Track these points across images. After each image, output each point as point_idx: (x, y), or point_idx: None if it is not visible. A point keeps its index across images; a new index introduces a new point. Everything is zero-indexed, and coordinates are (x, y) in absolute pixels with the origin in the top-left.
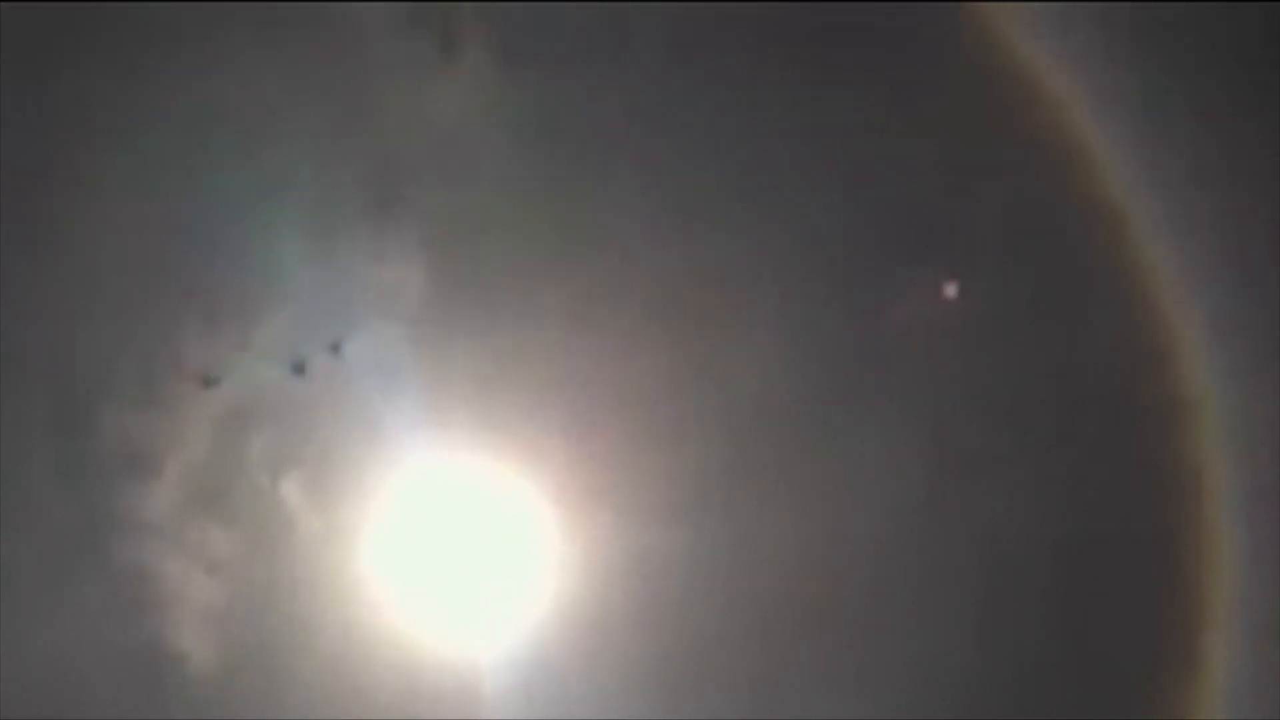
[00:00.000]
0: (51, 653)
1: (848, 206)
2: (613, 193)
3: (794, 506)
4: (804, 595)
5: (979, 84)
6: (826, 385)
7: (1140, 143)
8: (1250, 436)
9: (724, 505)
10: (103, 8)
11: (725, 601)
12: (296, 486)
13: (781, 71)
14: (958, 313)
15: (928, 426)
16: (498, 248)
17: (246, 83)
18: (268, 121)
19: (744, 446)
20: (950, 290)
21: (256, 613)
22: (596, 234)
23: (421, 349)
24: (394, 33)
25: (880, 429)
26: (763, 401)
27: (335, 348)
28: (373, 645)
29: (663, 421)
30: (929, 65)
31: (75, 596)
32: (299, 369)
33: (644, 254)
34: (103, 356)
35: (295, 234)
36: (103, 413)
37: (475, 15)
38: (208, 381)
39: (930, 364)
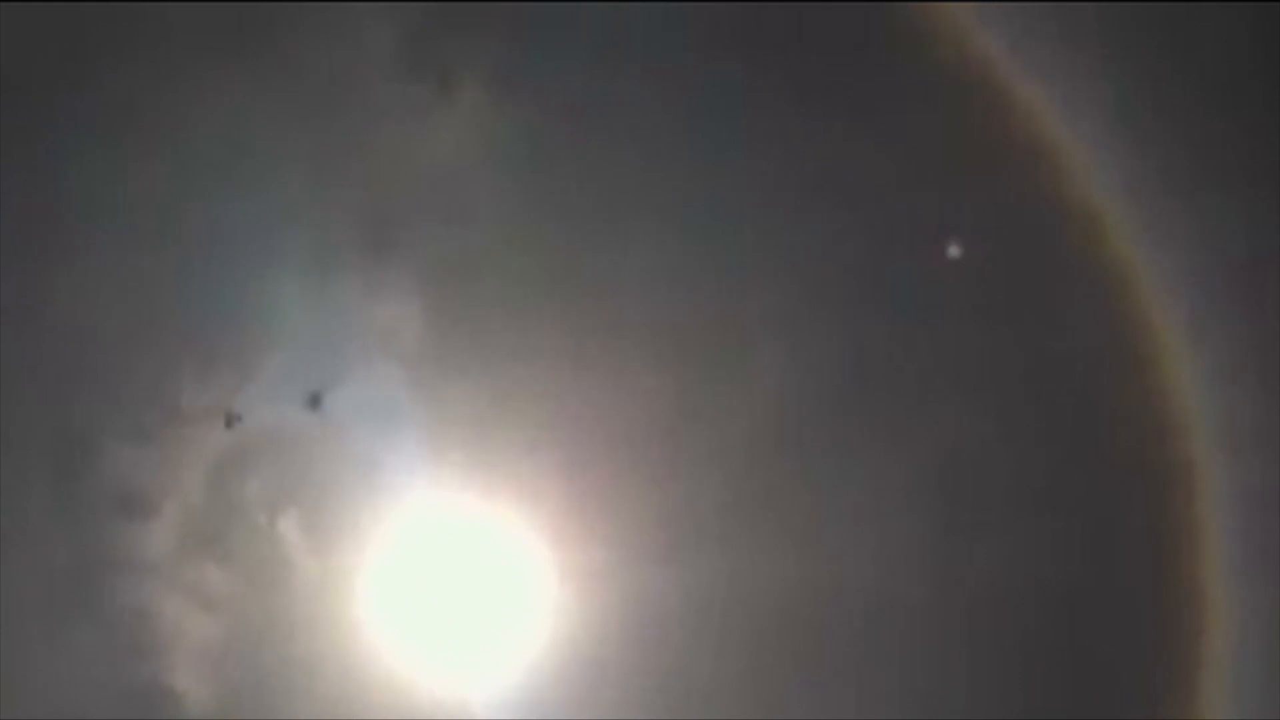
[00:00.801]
0: (49, 693)
1: (846, 243)
2: (609, 232)
3: (791, 547)
4: (800, 635)
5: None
6: (822, 425)
7: (1116, 146)
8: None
9: (721, 545)
10: (99, 50)
11: (722, 641)
12: (294, 527)
13: (783, 109)
14: (952, 351)
15: (923, 466)
16: (494, 288)
17: (243, 123)
18: (264, 162)
19: (740, 486)
20: (955, 251)
21: (253, 654)
22: (593, 274)
23: (418, 389)
24: (389, 73)
25: (875, 469)
26: (759, 441)
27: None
28: (370, 686)
29: (659, 462)
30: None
31: (72, 637)
32: (315, 403)
33: (641, 293)
34: (100, 397)
35: (292, 275)
36: (100, 453)
37: (470, 56)
38: (229, 421)
39: (925, 403)
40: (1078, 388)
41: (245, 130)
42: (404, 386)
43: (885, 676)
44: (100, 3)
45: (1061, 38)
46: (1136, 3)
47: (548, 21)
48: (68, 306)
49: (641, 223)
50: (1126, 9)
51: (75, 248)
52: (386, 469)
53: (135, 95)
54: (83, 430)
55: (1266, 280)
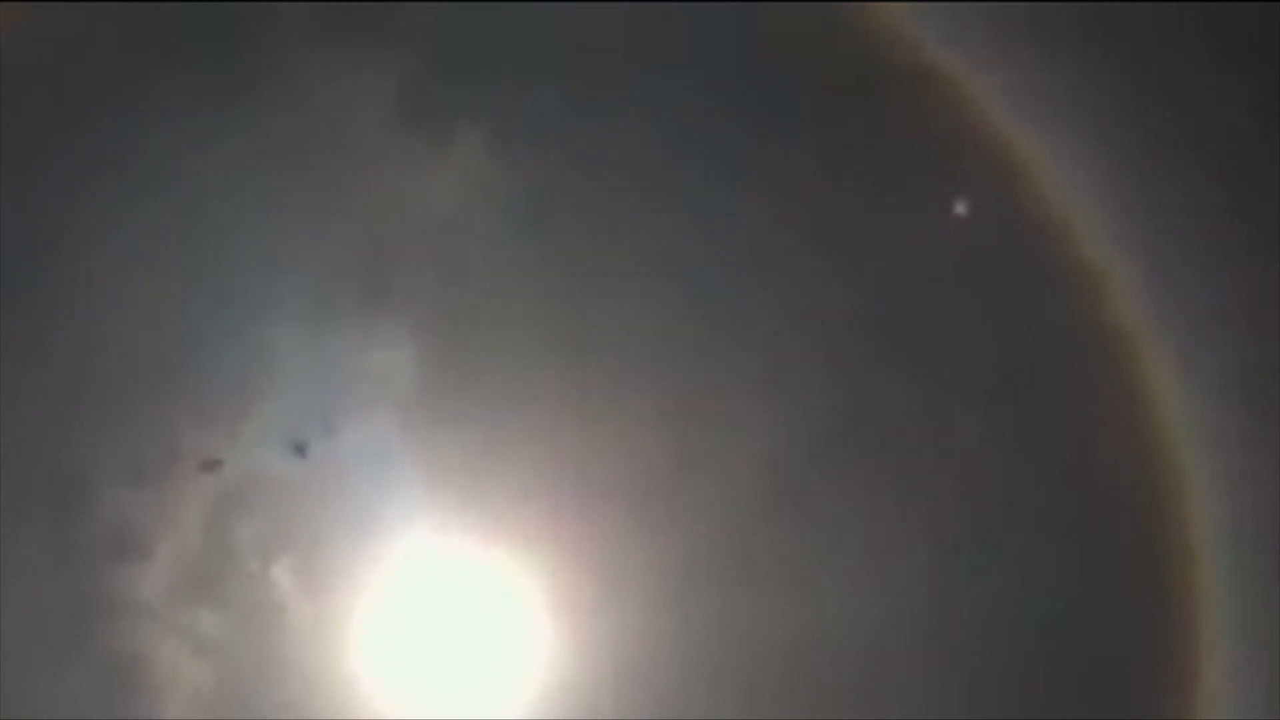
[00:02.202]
0: None
1: (844, 295)
2: (604, 282)
3: (786, 592)
4: (797, 680)
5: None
6: (817, 472)
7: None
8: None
9: (716, 590)
10: (96, 96)
11: (719, 687)
12: (288, 572)
13: (785, 163)
14: (947, 398)
15: (919, 511)
16: (489, 337)
17: (240, 173)
18: (261, 209)
19: (735, 532)
20: (960, 209)
21: (247, 698)
22: (588, 323)
23: (413, 436)
24: (386, 122)
25: (871, 515)
26: (754, 487)
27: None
28: None
29: (653, 508)
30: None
31: (66, 679)
32: (300, 451)
33: (636, 342)
34: (95, 442)
35: (288, 322)
36: (95, 498)
37: (467, 106)
38: (207, 465)
39: (920, 450)
40: (1075, 432)
41: (243, 177)
42: (399, 433)
43: None
44: (97, 48)
45: (1064, 81)
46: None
47: (545, 72)
48: (64, 350)
49: (637, 273)
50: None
51: (71, 292)
52: (381, 515)
53: (133, 142)
54: (78, 474)
55: (1261, 296)
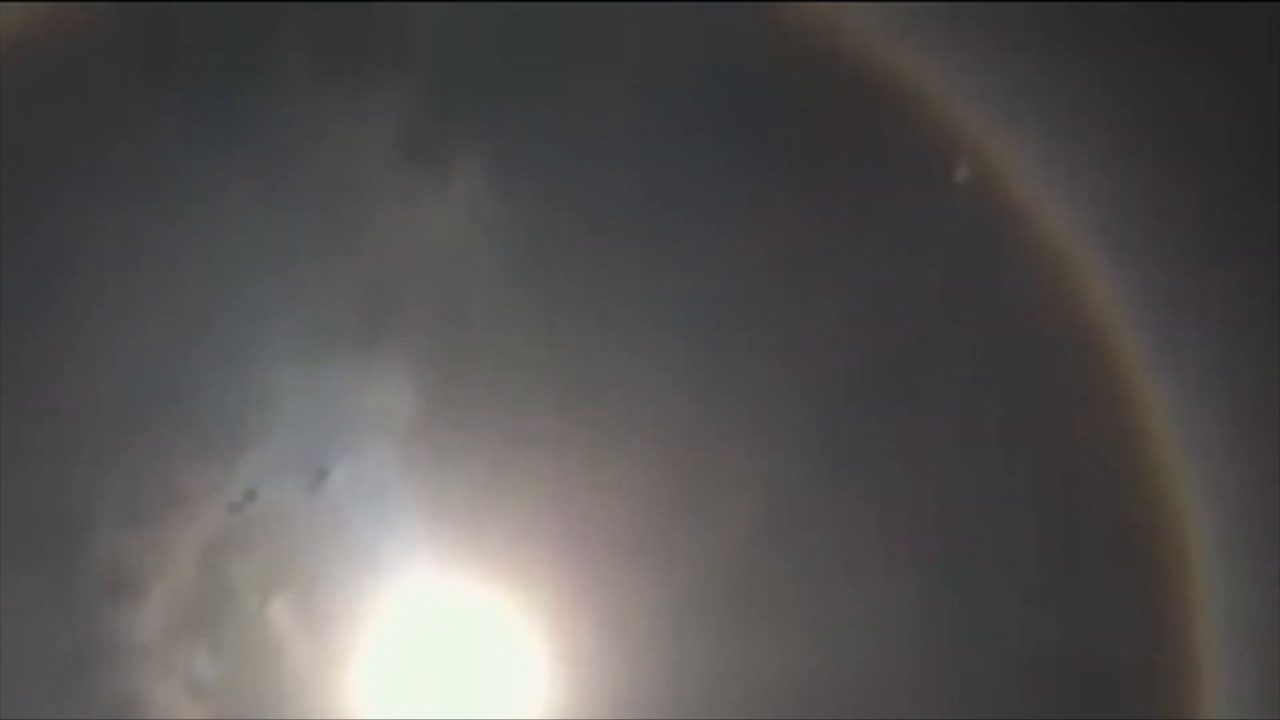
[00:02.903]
0: None
1: (845, 331)
2: (605, 321)
3: (789, 637)
4: None
5: None
6: (823, 516)
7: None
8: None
9: (718, 631)
10: (95, 134)
11: None
12: (286, 610)
13: (790, 208)
14: (944, 437)
15: (918, 554)
16: (490, 375)
17: (238, 210)
18: (260, 246)
19: (739, 576)
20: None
21: None
22: (590, 360)
23: (413, 474)
24: (387, 160)
25: (874, 560)
26: (754, 528)
27: (320, 475)
28: None
29: (656, 547)
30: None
31: None
32: (320, 477)
33: (638, 379)
34: (94, 479)
35: (288, 359)
36: (92, 537)
37: (469, 143)
38: (233, 505)
39: (918, 493)
40: (1071, 470)
41: (241, 214)
42: (399, 471)
43: None
44: (97, 86)
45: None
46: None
47: (545, 110)
48: (61, 387)
49: (639, 311)
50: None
51: (69, 329)
52: (380, 553)
53: (132, 178)
54: (75, 513)
55: (1259, 346)
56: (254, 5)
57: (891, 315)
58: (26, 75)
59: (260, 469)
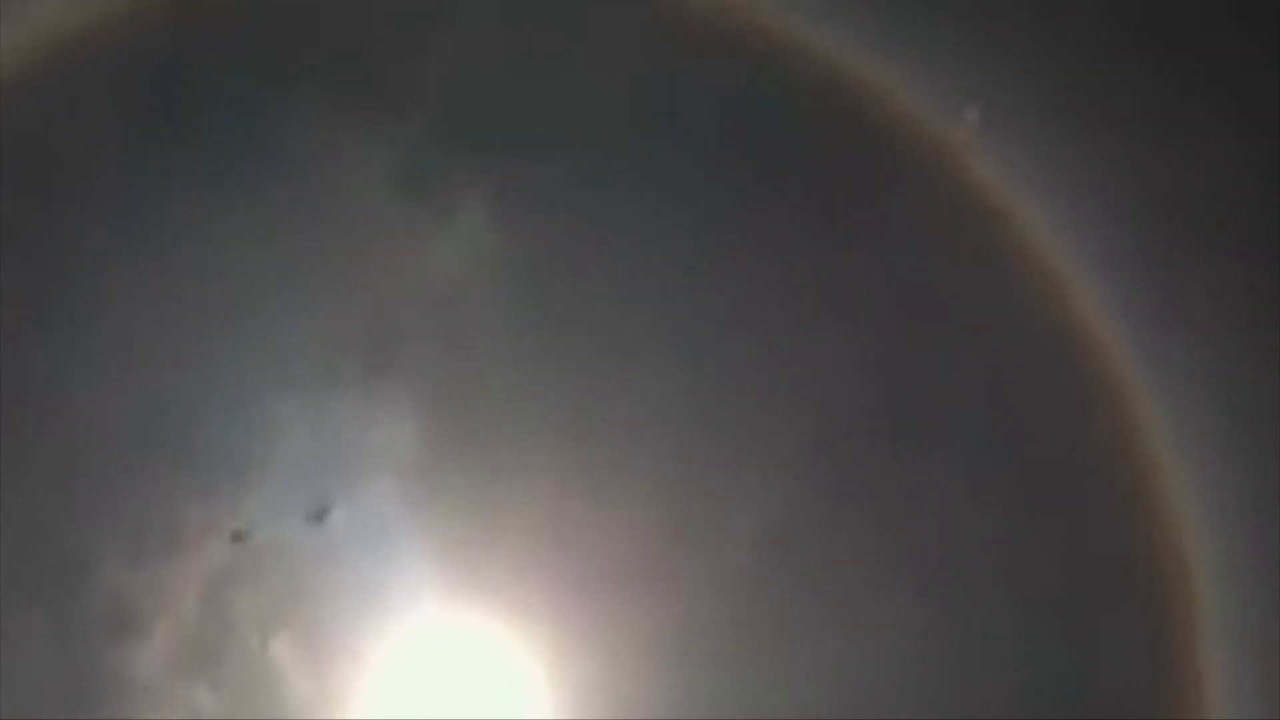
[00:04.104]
0: None
1: (849, 361)
2: (608, 353)
3: (794, 668)
4: None
5: None
6: (826, 549)
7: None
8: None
9: (725, 667)
10: (95, 168)
11: None
12: (288, 647)
13: (796, 241)
14: (946, 469)
15: (920, 583)
16: (493, 409)
17: (241, 245)
18: (262, 280)
19: (743, 606)
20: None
21: None
22: (593, 393)
23: (415, 509)
24: (389, 193)
25: (877, 593)
26: (760, 559)
27: (321, 514)
28: None
29: (660, 579)
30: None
31: None
32: (321, 516)
33: (642, 412)
34: (95, 516)
35: (289, 394)
36: (93, 573)
37: (471, 176)
38: (236, 536)
39: (922, 515)
40: (1076, 505)
41: (244, 250)
42: (401, 507)
43: None
44: (102, 121)
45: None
46: None
47: (549, 145)
48: (63, 422)
49: (642, 346)
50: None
51: (72, 363)
52: (383, 589)
53: (137, 211)
54: (77, 549)
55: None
56: (261, 41)
57: (895, 345)
58: (33, 106)
59: (262, 505)
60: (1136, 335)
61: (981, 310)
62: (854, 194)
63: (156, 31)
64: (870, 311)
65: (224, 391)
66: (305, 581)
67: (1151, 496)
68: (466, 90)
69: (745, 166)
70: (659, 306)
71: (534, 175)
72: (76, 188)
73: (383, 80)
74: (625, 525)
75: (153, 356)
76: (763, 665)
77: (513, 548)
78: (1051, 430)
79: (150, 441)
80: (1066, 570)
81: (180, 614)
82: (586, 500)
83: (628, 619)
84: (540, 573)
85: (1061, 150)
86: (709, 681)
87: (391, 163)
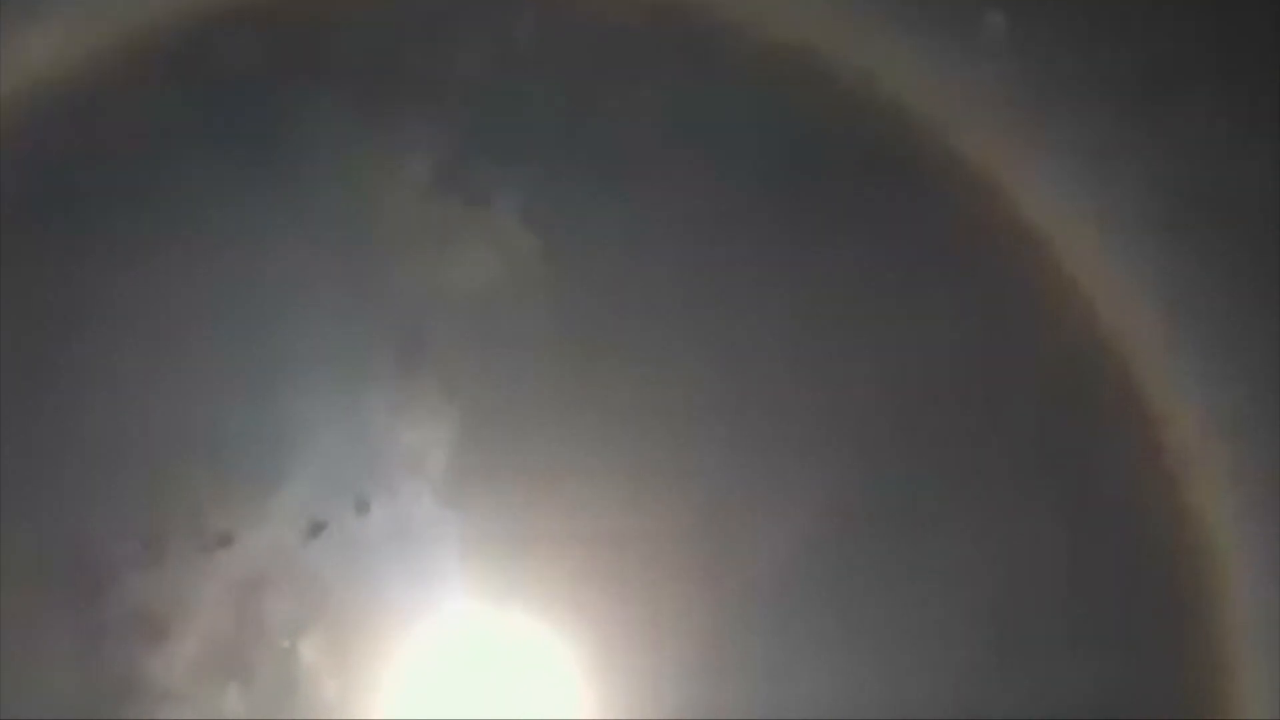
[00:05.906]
0: None
1: (888, 371)
2: (640, 354)
3: (830, 671)
4: None
5: None
6: (860, 549)
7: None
8: None
9: (758, 670)
10: (121, 169)
11: None
12: (316, 650)
13: (830, 237)
14: (978, 479)
15: (952, 593)
16: (526, 412)
17: (273, 245)
18: (293, 282)
19: (778, 608)
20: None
21: None
22: (627, 396)
23: (446, 510)
24: (422, 196)
25: (906, 595)
26: (796, 561)
27: (362, 507)
28: None
29: (694, 580)
30: None
31: None
32: (316, 530)
33: (677, 415)
34: (120, 519)
35: (320, 395)
36: (120, 577)
37: (503, 178)
38: (221, 541)
39: (959, 524)
40: (1107, 518)
41: (276, 250)
42: (432, 507)
43: None
44: (131, 123)
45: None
46: None
47: (583, 146)
48: (90, 426)
49: (675, 345)
50: None
51: (100, 367)
52: (412, 592)
53: (165, 215)
54: (103, 554)
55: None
56: (288, 41)
57: (932, 351)
58: (57, 114)
59: (292, 507)
60: (1159, 331)
61: (1014, 315)
62: (886, 198)
63: (188, 32)
64: (906, 318)
65: (253, 395)
66: (335, 584)
67: (1179, 496)
68: (501, 90)
69: (784, 169)
70: (693, 307)
71: (567, 175)
72: (99, 193)
73: (417, 79)
74: (658, 526)
75: (184, 357)
76: (799, 669)
77: (546, 548)
78: (1080, 432)
79: (179, 446)
80: (1094, 569)
81: (208, 617)
82: (619, 501)
83: (660, 620)
84: (572, 573)
85: (1091, 159)
86: (744, 683)
87: (425, 163)
